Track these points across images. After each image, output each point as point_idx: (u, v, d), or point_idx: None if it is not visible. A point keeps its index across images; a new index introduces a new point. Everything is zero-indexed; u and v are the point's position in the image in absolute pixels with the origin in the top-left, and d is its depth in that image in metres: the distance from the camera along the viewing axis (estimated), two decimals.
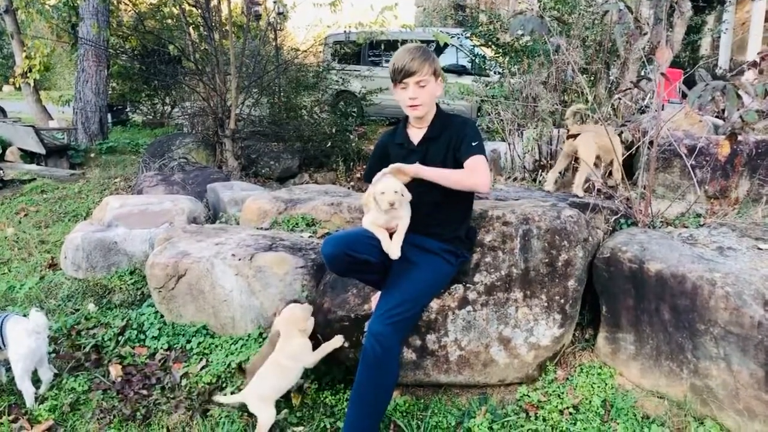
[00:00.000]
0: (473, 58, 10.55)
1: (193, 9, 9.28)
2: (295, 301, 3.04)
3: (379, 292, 2.78)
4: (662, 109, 3.50)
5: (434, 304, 2.84)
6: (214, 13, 8.24)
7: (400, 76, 2.62)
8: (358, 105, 12.61)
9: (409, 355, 2.88)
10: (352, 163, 9.17)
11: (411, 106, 2.67)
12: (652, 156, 3.43)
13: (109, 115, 11.92)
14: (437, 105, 2.76)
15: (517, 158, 5.42)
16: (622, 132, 4.71)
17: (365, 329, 2.83)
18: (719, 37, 12.51)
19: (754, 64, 3.04)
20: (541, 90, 5.35)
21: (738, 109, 2.87)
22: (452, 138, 2.67)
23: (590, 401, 2.76)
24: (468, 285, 2.85)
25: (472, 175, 2.56)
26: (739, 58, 12.05)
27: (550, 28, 3.62)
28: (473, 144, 2.60)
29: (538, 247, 2.84)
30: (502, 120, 5.64)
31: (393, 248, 2.54)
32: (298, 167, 9.00)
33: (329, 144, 9.23)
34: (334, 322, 2.88)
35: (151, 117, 14.74)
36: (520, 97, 5.73)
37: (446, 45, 9.80)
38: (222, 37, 8.20)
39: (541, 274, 2.85)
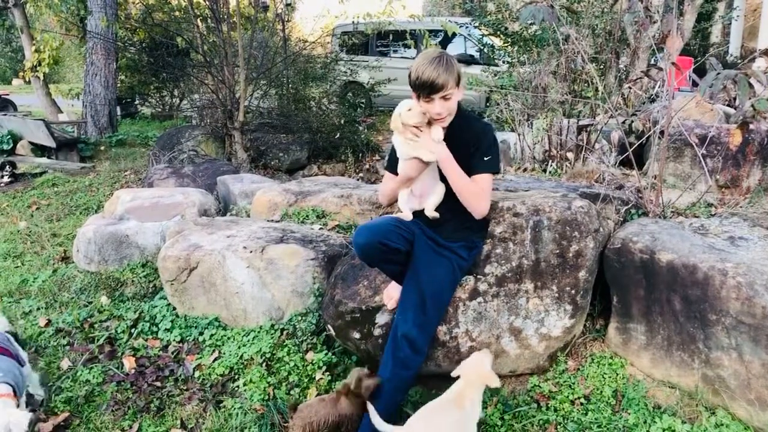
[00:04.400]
0: (482, 47, 10.51)
1: (201, 1, 9.29)
2: None
3: (391, 284, 2.80)
4: (673, 98, 3.48)
5: None
6: (221, 5, 8.24)
7: (425, 91, 2.50)
8: (366, 96, 12.60)
9: None
10: (360, 155, 9.18)
11: (438, 119, 2.59)
12: (662, 145, 3.41)
13: (118, 108, 11.97)
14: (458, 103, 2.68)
15: (527, 148, 5.40)
16: (632, 121, 4.69)
17: (376, 321, 2.85)
18: (730, 23, 12.39)
19: (766, 52, 3.00)
20: (551, 80, 5.33)
21: (749, 98, 2.84)
22: (471, 142, 2.63)
23: (601, 391, 2.77)
24: (479, 276, 2.85)
25: (478, 197, 2.63)
26: (751, 45, 11.92)
27: (559, 17, 3.60)
28: (485, 159, 2.60)
29: (548, 238, 2.84)
30: (511, 110, 5.62)
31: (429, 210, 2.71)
32: (307, 159, 9.02)
33: (338, 135, 9.24)
34: (345, 313, 2.89)
35: (160, 109, 14.79)
36: (530, 87, 5.71)
37: (454, 34, 9.78)
38: (230, 29, 8.21)
39: (552, 265, 2.85)
